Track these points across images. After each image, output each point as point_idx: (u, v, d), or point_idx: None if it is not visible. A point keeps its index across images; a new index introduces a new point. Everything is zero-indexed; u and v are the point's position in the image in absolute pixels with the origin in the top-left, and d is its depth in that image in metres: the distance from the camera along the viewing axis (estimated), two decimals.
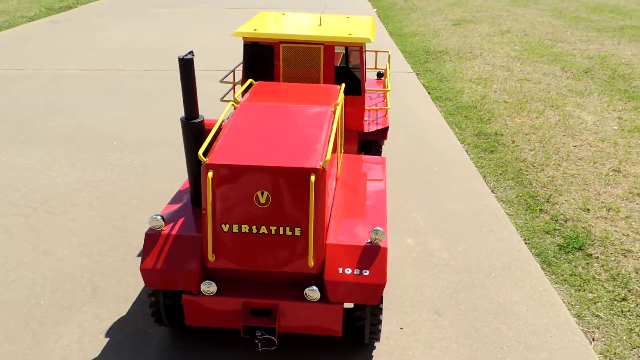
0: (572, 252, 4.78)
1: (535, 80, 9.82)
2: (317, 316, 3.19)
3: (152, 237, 3.23)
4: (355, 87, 4.66)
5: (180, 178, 5.84)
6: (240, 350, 3.49)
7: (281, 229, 3.08)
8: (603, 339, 3.82)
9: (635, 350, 3.72)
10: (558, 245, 4.88)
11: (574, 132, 7.37)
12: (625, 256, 4.71)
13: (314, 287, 3.10)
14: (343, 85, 4.04)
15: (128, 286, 4.08)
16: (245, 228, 3.10)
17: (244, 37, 4.59)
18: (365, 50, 4.93)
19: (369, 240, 3.16)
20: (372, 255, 3.11)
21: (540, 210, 5.48)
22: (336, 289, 3.08)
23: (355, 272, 3.08)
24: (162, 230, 3.25)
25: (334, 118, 3.54)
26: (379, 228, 3.12)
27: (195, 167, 3.43)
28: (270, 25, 4.80)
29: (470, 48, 12.18)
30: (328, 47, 4.54)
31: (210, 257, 3.13)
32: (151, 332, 3.63)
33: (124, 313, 3.80)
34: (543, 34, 13.50)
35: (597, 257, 4.70)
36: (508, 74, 10.27)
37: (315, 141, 3.26)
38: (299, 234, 3.08)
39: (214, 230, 3.11)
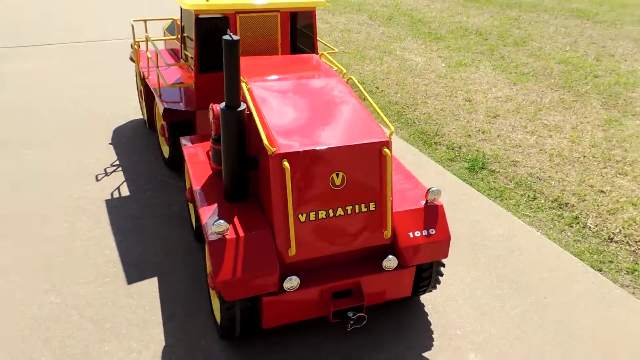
0: (479, 171, 5.77)
1: (356, 30, 10.75)
2: (393, 283, 3.32)
3: (218, 244, 2.91)
4: (312, 52, 4.64)
5: (80, 177, 4.99)
6: (310, 339, 3.45)
7: (356, 207, 3.07)
8: (541, 230, 4.85)
9: (564, 232, 4.84)
10: (467, 169, 5.81)
11: (417, 73, 8.49)
12: (516, 166, 5.89)
13: (391, 257, 3.20)
14: (324, 53, 4.02)
15: (135, 309, 3.53)
16: (322, 214, 3.00)
17: (195, 11, 4.10)
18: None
19: (425, 201, 3.37)
20: (433, 214, 3.33)
21: (435, 143, 6.36)
22: (411, 253, 3.23)
23: (423, 234, 3.26)
24: (226, 235, 2.94)
25: (349, 88, 3.57)
26: (434, 188, 3.32)
27: (235, 161, 3.13)
28: None
29: None
30: (284, 13, 4.37)
31: (293, 251, 2.96)
32: (205, 344, 3.29)
33: (157, 337, 3.32)
34: None
35: (499, 172, 5.78)
36: (328, 26, 10.97)
37: (362, 114, 3.27)
38: (374, 209, 3.11)
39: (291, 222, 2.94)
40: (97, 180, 5.07)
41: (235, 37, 2.89)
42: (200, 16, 4.15)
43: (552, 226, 4.91)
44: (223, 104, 3.05)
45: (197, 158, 3.81)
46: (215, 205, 3.23)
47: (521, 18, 11.52)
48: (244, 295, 2.92)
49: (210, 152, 3.64)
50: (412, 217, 3.29)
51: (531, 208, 5.17)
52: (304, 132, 3.04)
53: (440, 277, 3.57)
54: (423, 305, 3.74)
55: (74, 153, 5.52)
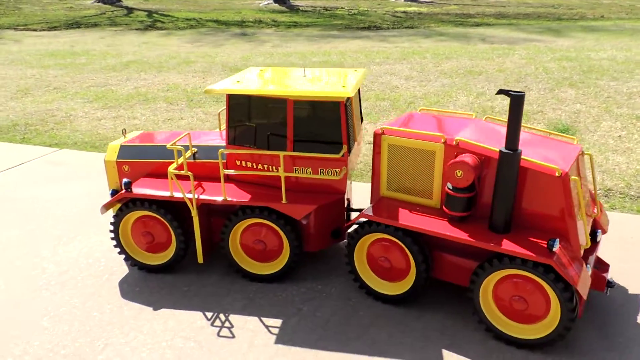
0: None
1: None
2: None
3: (558, 259, 3.65)
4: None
5: None
6: None
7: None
8: None
9: None
10: None
11: None
12: None
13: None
14: (423, 108, 5.22)
15: None
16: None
17: (341, 99, 4.33)
18: None
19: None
20: None
21: None
22: None
23: None
24: (556, 250, 3.67)
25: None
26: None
27: (513, 196, 3.81)
28: (328, 82, 4.63)
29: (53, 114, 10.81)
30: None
31: (588, 243, 4.02)
32: None
33: None
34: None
35: None
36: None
37: (539, 135, 4.56)
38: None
39: None
40: None
41: (521, 93, 3.55)
42: (345, 103, 4.38)
43: None
44: (502, 148, 3.72)
45: (415, 221, 4.14)
46: (509, 240, 3.79)
47: None
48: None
49: (444, 200, 4.14)
50: None
51: None
52: (550, 158, 3.93)
53: None
54: None
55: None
